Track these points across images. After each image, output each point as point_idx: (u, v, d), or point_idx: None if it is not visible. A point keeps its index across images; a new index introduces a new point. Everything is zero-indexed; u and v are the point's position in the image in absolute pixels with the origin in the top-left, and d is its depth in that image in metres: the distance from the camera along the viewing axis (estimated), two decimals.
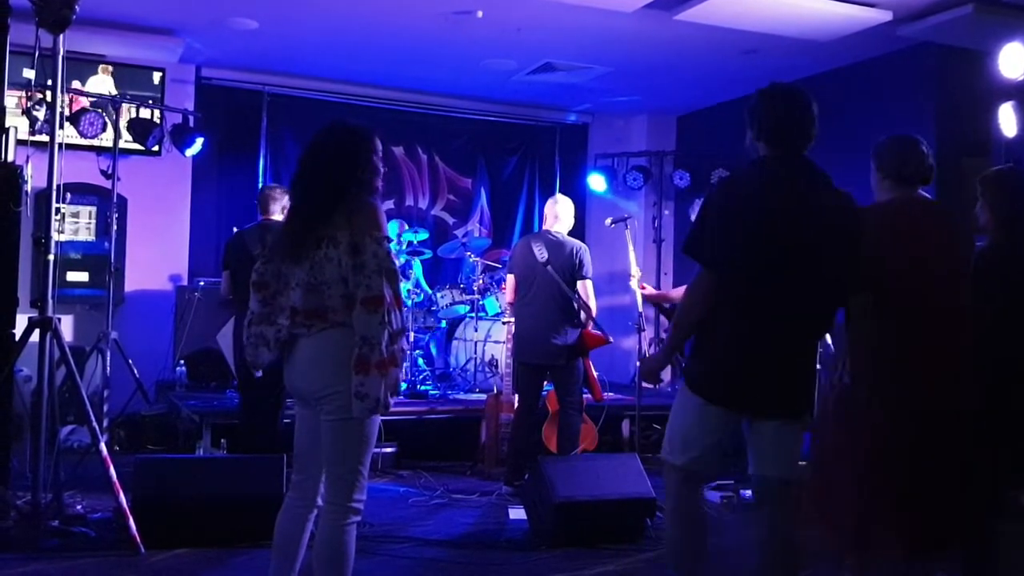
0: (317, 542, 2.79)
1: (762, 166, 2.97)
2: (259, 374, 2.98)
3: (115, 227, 5.96)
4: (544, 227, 5.80)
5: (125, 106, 6.52)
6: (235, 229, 6.25)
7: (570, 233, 5.79)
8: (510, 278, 5.82)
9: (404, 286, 7.02)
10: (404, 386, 6.03)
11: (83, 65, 6.88)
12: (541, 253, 5.51)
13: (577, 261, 5.54)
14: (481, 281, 7.58)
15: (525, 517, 4.75)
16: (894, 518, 2.94)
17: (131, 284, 7.26)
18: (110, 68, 7.13)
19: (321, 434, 2.81)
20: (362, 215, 2.77)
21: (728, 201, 2.92)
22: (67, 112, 6.22)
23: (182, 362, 6.95)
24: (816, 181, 2.97)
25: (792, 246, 2.84)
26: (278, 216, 5.53)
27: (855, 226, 2.94)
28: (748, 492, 5.64)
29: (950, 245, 3.15)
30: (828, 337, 3.67)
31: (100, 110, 6.29)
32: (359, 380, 2.66)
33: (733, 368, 2.90)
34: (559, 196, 5.96)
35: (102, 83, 7.11)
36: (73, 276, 6.93)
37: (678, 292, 4.11)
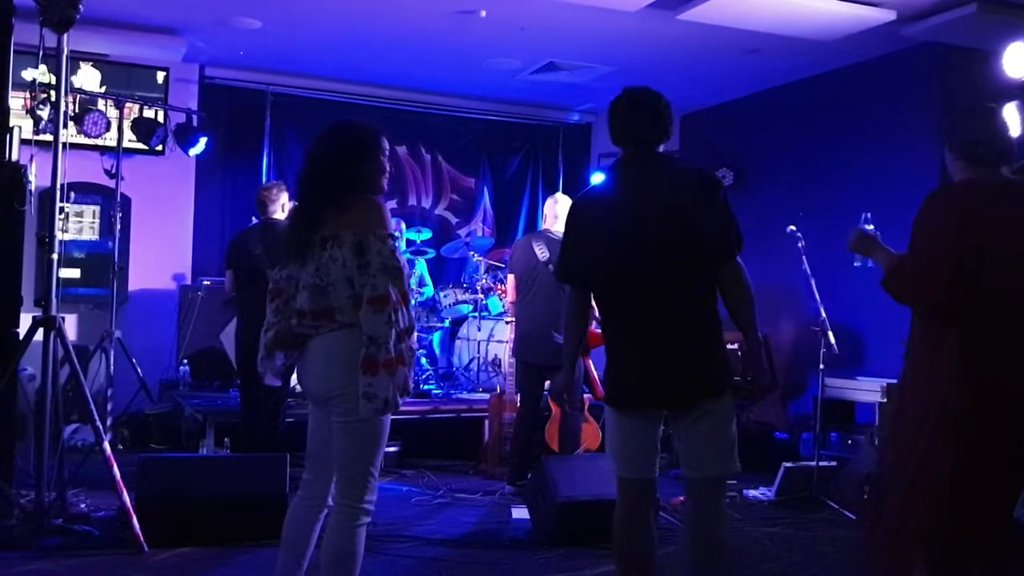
0: (326, 542, 2.77)
1: (609, 172, 3.11)
2: (278, 382, 2.99)
3: (119, 226, 5.96)
4: (544, 226, 5.80)
5: (128, 105, 6.51)
6: (254, 219, 6.26)
7: None
8: (511, 278, 5.82)
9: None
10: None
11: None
12: (542, 252, 5.52)
13: None
14: (484, 280, 7.58)
15: (528, 517, 4.75)
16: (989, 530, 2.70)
17: (135, 283, 7.27)
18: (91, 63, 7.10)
19: (332, 435, 2.79)
20: (366, 213, 2.75)
21: (569, 219, 3.09)
22: (71, 111, 6.23)
23: (185, 361, 6.97)
24: (648, 169, 2.95)
25: (623, 241, 2.88)
26: (279, 215, 5.54)
27: (699, 193, 2.88)
28: (752, 492, 5.69)
29: None
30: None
31: (101, 106, 6.29)
32: (367, 380, 2.64)
33: (619, 371, 2.94)
34: (558, 195, 5.95)
35: (90, 77, 7.08)
36: (77, 275, 6.94)
37: None
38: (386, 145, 2.97)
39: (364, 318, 2.67)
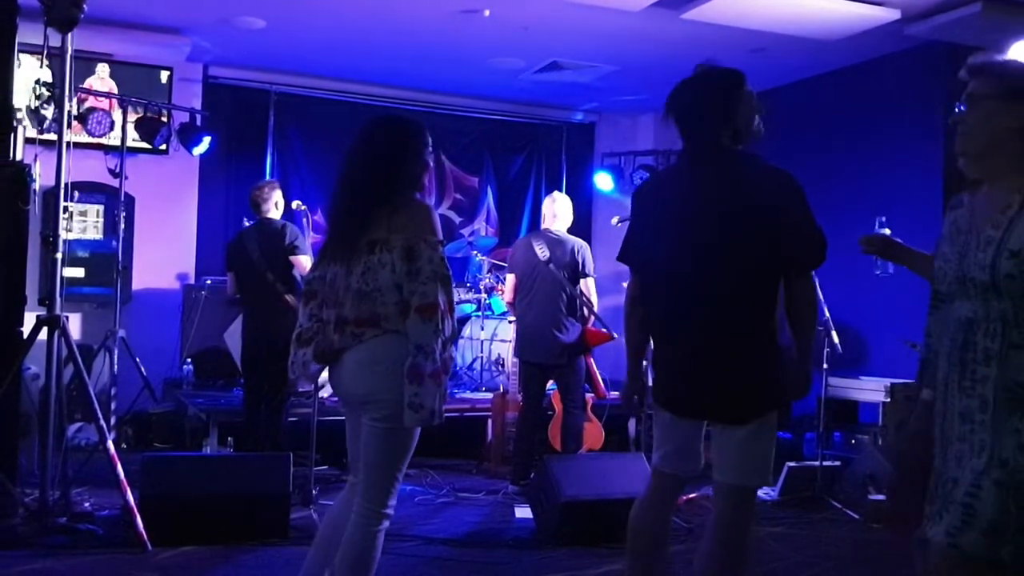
0: (345, 543, 2.71)
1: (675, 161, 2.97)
2: (310, 386, 2.95)
3: (123, 226, 5.96)
4: (543, 226, 5.80)
5: (132, 104, 6.52)
6: (246, 221, 6.27)
7: (577, 232, 5.78)
8: (510, 277, 5.81)
9: None
10: None
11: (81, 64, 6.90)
12: (542, 251, 5.52)
13: (580, 259, 5.54)
14: (488, 280, 7.58)
15: (531, 516, 4.75)
16: None
17: (138, 283, 7.28)
18: (107, 68, 7.13)
19: (361, 436, 2.73)
20: (417, 218, 2.69)
21: (633, 202, 2.98)
22: (75, 111, 6.24)
23: (189, 360, 6.97)
24: (707, 167, 2.74)
25: (663, 242, 2.78)
26: (273, 214, 5.53)
27: (766, 202, 2.65)
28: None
29: None
30: None
31: (107, 106, 6.30)
32: (413, 390, 2.56)
33: (659, 371, 2.89)
34: (556, 194, 5.95)
35: (102, 83, 7.12)
36: (81, 274, 6.95)
37: None
38: (429, 140, 2.89)
39: (412, 326, 2.60)
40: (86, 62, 6.75)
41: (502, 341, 7.18)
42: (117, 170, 5.87)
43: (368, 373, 2.67)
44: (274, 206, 5.52)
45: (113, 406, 5.88)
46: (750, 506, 2.78)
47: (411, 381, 2.57)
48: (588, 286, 5.56)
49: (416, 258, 2.64)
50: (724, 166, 2.74)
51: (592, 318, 5.57)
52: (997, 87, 2.00)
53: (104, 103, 6.64)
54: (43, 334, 4.27)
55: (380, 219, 2.68)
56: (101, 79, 7.08)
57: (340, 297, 2.72)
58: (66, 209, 4.45)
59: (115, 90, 6.96)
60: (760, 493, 5.94)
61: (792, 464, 5.63)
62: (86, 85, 6.84)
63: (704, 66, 2.84)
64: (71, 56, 4.33)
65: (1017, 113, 1.96)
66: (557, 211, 5.72)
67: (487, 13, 6.28)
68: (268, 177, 8.06)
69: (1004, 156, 1.98)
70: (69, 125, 4.44)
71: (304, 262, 5.34)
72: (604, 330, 5.59)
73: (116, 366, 5.88)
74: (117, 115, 6.29)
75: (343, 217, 2.79)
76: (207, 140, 6.96)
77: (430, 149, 2.89)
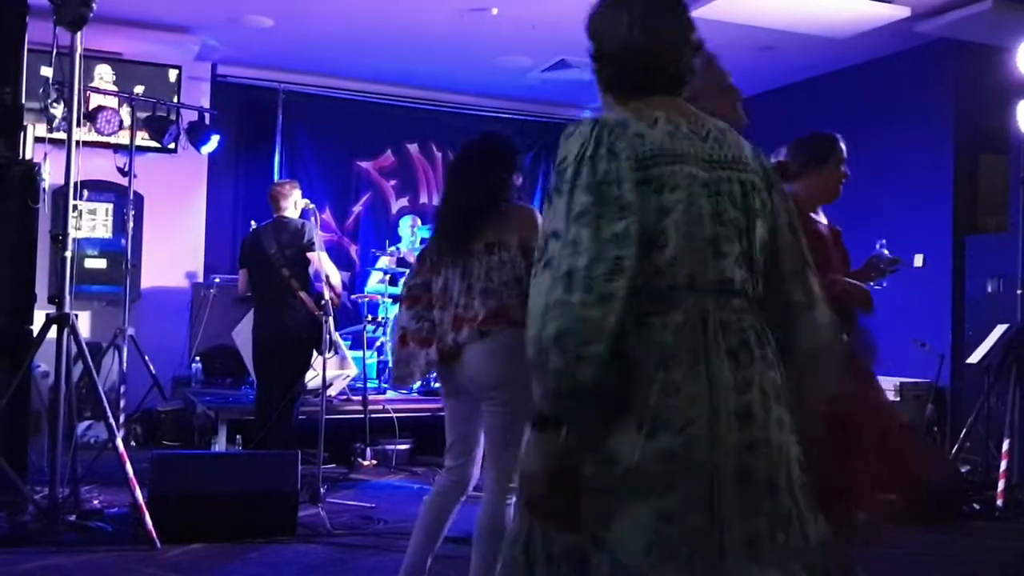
0: (483, 516, 2.95)
1: None
2: (411, 388, 3.06)
3: (131, 224, 5.97)
4: None
5: (141, 104, 6.53)
6: (253, 223, 6.28)
7: None
8: None
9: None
10: (417, 385, 6.04)
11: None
12: None
13: None
14: None
15: None
16: None
17: (147, 281, 7.30)
18: (109, 69, 7.15)
19: (486, 421, 2.95)
20: (528, 220, 2.95)
21: None
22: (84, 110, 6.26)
23: (198, 358, 6.99)
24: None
25: None
26: (291, 212, 5.54)
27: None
28: None
29: None
30: None
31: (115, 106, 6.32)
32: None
33: None
34: None
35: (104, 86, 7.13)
36: (90, 273, 6.97)
37: None
38: (518, 148, 3.22)
39: None
40: (86, 65, 6.76)
41: None
42: (126, 169, 5.88)
43: (496, 362, 2.88)
44: (292, 205, 5.53)
45: (122, 404, 5.89)
46: None
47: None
48: None
49: (530, 255, 2.80)
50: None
51: None
52: None
53: (113, 102, 6.65)
54: (53, 332, 4.28)
55: (490, 225, 2.95)
56: (101, 78, 7.08)
57: (457, 298, 2.95)
58: (75, 207, 4.46)
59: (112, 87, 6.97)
60: None
61: None
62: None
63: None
64: (80, 55, 4.34)
65: None
66: None
67: (495, 11, 6.27)
68: (277, 175, 8.09)
69: None
70: (79, 123, 4.45)
71: (320, 259, 5.34)
72: None
73: (125, 364, 5.89)
74: (125, 113, 6.30)
75: (455, 227, 3.03)
76: (215, 139, 6.97)
77: (520, 155, 3.20)
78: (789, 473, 1.60)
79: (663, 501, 1.51)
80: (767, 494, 1.56)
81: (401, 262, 7.12)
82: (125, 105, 6.39)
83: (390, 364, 5.87)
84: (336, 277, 5.49)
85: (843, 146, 3.36)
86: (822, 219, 3.27)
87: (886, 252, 3.30)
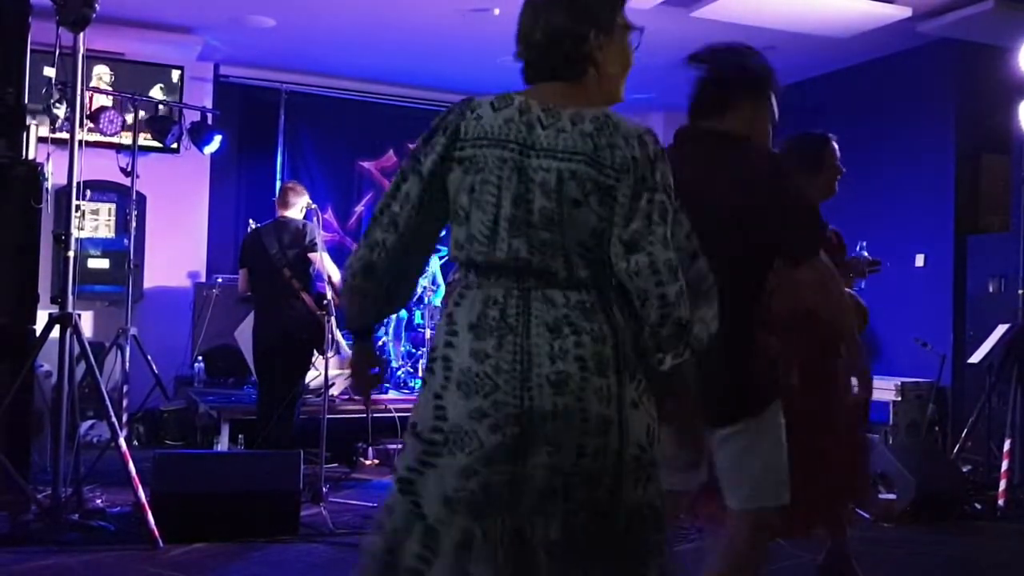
0: None
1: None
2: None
3: (134, 224, 5.99)
4: None
5: (143, 104, 6.55)
6: (252, 223, 6.29)
7: None
8: None
9: (421, 281, 7.03)
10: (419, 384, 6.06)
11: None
12: None
13: None
14: None
15: None
16: None
17: (150, 281, 7.31)
18: (107, 70, 7.16)
19: None
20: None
21: None
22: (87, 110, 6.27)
23: (200, 358, 7.00)
24: (690, 146, 2.53)
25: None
26: (295, 213, 5.55)
27: (749, 181, 2.37)
28: None
29: None
30: None
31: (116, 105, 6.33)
32: None
33: None
34: None
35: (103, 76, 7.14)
36: (93, 273, 6.99)
37: None
38: None
39: None
40: (87, 65, 6.78)
41: None
42: (128, 169, 5.89)
43: None
44: (298, 208, 5.55)
45: (125, 403, 5.91)
46: (760, 530, 2.44)
47: None
48: None
49: None
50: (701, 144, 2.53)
51: None
52: None
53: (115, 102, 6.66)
54: (55, 332, 4.29)
55: None
56: (100, 78, 7.09)
57: None
58: (78, 208, 4.47)
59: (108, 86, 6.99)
60: None
61: None
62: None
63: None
64: (83, 56, 4.35)
65: None
66: None
67: (497, 12, 6.28)
68: (279, 175, 8.10)
69: None
70: (81, 124, 4.45)
71: (322, 260, 5.35)
72: None
73: (128, 364, 5.91)
74: (128, 115, 6.31)
75: None
76: (218, 139, 6.99)
77: None
78: (606, 442, 1.68)
79: (470, 458, 1.68)
80: (574, 456, 1.67)
81: None
82: (128, 105, 6.41)
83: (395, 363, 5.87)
84: (338, 277, 5.50)
85: (835, 145, 3.35)
86: None
87: (866, 254, 3.46)
